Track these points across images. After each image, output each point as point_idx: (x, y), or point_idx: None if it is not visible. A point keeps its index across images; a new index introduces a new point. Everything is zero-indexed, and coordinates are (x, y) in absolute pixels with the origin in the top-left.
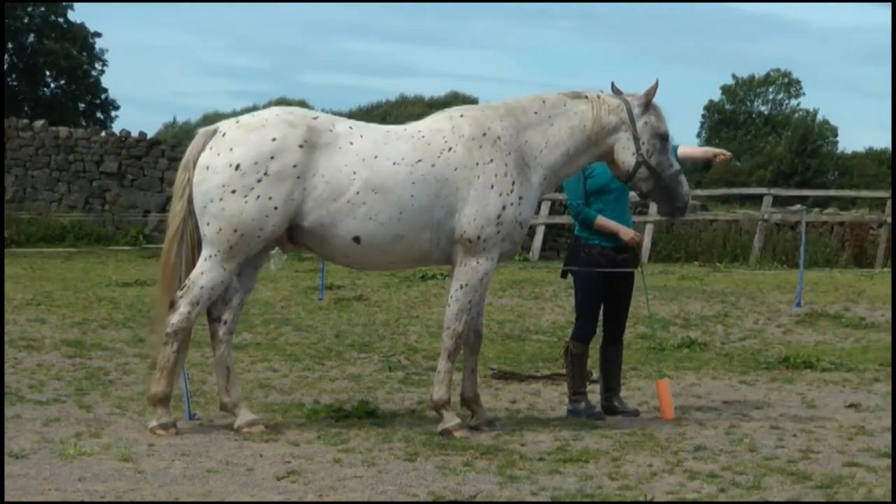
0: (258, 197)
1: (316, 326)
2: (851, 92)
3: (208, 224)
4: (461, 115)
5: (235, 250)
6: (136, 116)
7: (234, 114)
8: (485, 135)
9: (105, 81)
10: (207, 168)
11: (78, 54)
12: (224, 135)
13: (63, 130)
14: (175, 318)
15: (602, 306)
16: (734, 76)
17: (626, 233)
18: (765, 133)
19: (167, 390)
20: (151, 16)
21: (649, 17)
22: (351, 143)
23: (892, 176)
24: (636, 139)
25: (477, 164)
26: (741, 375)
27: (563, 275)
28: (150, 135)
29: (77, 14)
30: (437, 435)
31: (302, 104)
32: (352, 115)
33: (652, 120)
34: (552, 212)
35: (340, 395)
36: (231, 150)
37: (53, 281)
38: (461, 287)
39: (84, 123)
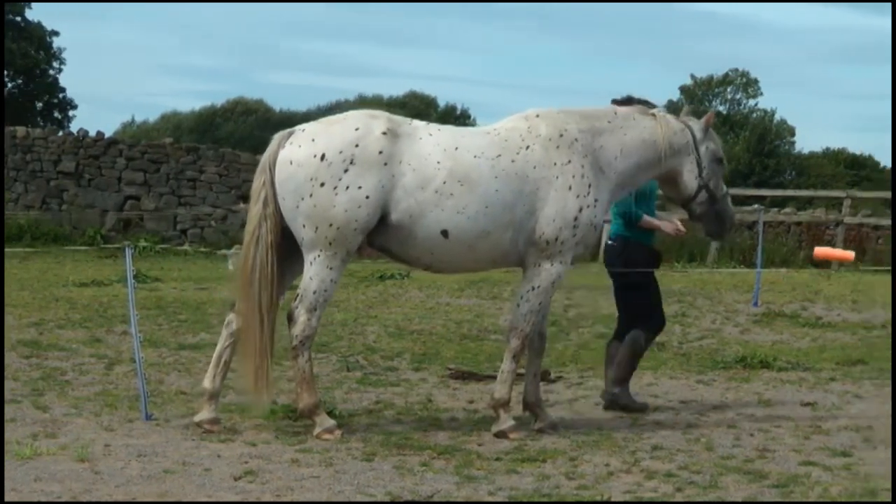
0: (347, 187)
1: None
2: (809, 92)
3: (304, 226)
4: (537, 116)
5: (336, 246)
6: (93, 116)
7: (194, 113)
8: (562, 136)
9: (63, 80)
10: (291, 162)
11: (35, 53)
12: (304, 130)
13: (20, 130)
14: (297, 330)
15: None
16: (692, 76)
17: (668, 226)
18: (723, 133)
19: (315, 399)
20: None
21: (608, 16)
22: (430, 135)
23: (892, 176)
24: (699, 163)
25: (555, 164)
26: (698, 375)
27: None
28: (107, 134)
29: (34, 13)
30: (393, 435)
31: (260, 103)
32: (310, 115)
33: (711, 145)
34: None
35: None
36: (314, 140)
37: (10, 281)
38: (533, 289)
39: (41, 123)
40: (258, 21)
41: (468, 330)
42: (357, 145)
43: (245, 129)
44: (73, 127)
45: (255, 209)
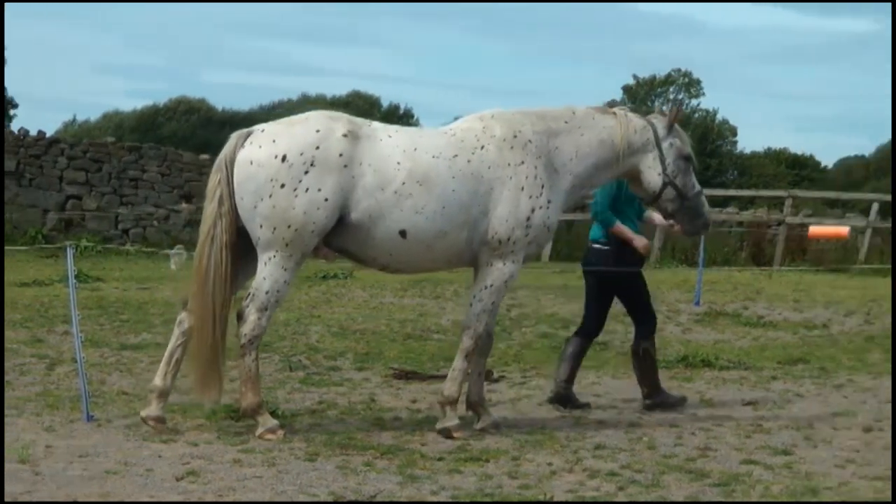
0: (307, 189)
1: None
2: (751, 92)
3: (261, 226)
4: (492, 117)
5: (292, 248)
6: (34, 115)
7: (136, 112)
8: (516, 137)
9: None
10: (252, 163)
11: None
12: (264, 130)
13: None
14: (247, 328)
15: (608, 304)
16: (635, 76)
17: (640, 240)
18: None
19: (259, 399)
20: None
21: (551, 17)
22: (390, 136)
23: (892, 177)
24: (662, 160)
25: (508, 164)
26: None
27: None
28: (49, 133)
29: None
30: (337, 435)
31: (202, 102)
32: (253, 114)
33: (677, 142)
34: None
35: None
36: (274, 141)
37: None
38: (486, 288)
39: None
40: (200, 20)
41: (411, 329)
42: (318, 147)
43: (187, 129)
44: (14, 126)
45: (209, 208)
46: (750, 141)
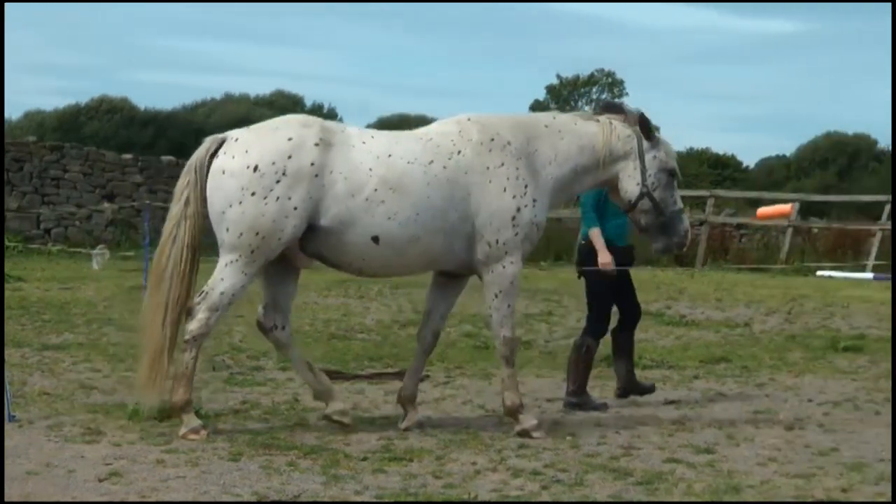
0: (278, 198)
1: (140, 326)
2: (673, 92)
3: (228, 230)
4: (468, 120)
5: (257, 254)
6: None
7: (57, 111)
8: (493, 140)
9: None
10: (224, 172)
11: None
12: (237, 139)
13: None
14: (194, 325)
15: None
16: (559, 76)
17: (604, 256)
18: None
19: (188, 397)
20: None
21: (475, 16)
22: (364, 143)
23: (892, 177)
24: (643, 171)
25: (487, 168)
26: (564, 373)
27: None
28: None
29: None
30: (260, 435)
31: (125, 102)
32: (175, 114)
33: (661, 155)
34: None
35: (163, 396)
36: (247, 152)
37: None
38: (496, 296)
39: None
40: (122, 19)
41: (335, 329)
42: (290, 157)
43: (110, 128)
44: None
45: (175, 208)
46: (672, 140)
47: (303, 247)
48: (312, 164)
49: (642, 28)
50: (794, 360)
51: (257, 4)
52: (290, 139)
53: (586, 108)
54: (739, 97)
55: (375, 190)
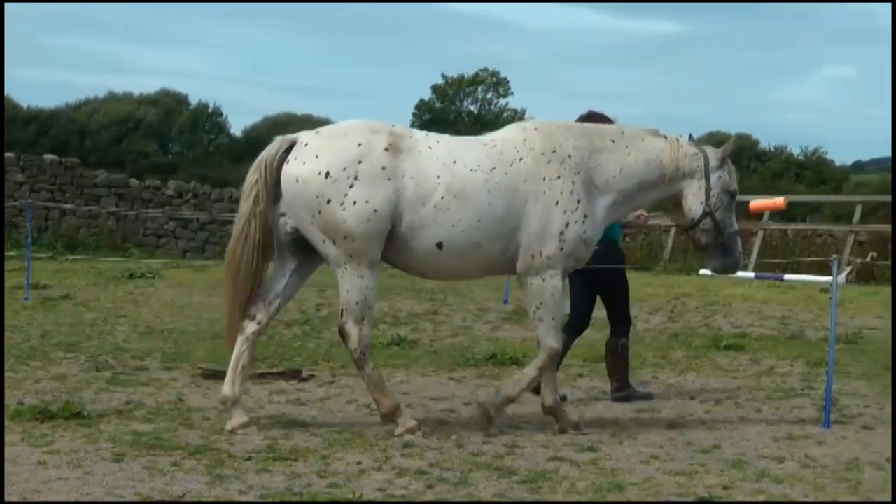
0: (355, 202)
1: (21, 326)
2: (557, 92)
3: (323, 241)
4: (535, 129)
5: (358, 257)
6: None
7: None
8: (554, 151)
9: None
10: (297, 180)
11: None
12: (307, 144)
13: None
14: (353, 343)
15: (594, 300)
16: (444, 75)
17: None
18: (474, 132)
19: (393, 401)
20: None
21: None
22: (430, 148)
23: (892, 177)
24: (707, 190)
25: (544, 178)
26: (449, 372)
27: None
28: None
29: None
30: (144, 435)
31: (7, 100)
32: (59, 112)
33: (725, 176)
34: None
35: (46, 396)
36: (317, 157)
37: None
38: (538, 308)
39: None
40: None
41: (220, 329)
42: (360, 161)
43: None
44: None
45: (244, 206)
46: None
47: None
48: (384, 168)
49: (527, 28)
50: (676, 358)
51: (141, 4)
52: (359, 144)
53: (471, 107)
54: (622, 97)
55: (442, 197)
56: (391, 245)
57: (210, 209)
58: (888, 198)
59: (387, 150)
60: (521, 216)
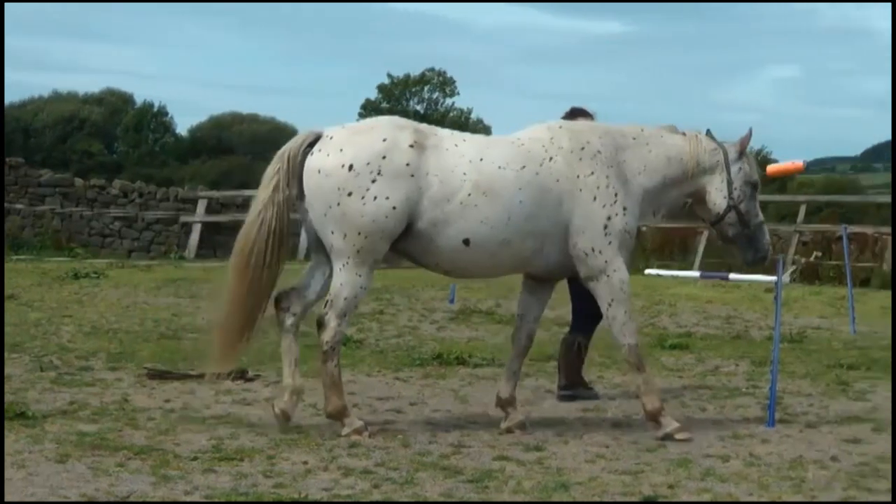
0: (375, 198)
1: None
2: (503, 91)
3: (332, 232)
4: (560, 127)
5: (363, 254)
6: None
7: None
8: (583, 148)
9: None
10: (319, 171)
11: None
12: (332, 138)
13: None
14: (328, 335)
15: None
16: (389, 75)
17: None
18: None
19: (343, 402)
20: None
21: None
22: (456, 146)
23: (892, 177)
24: (730, 183)
25: (577, 176)
26: (395, 372)
27: None
28: None
29: None
30: (89, 436)
31: None
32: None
33: (745, 167)
34: (209, 210)
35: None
36: (341, 150)
37: None
38: (609, 305)
39: None
40: None
41: (165, 329)
42: (384, 157)
43: None
44: None
45: (263, 193)
46: None
47: (393, 244)
48: (408, 164)
49: (474, 28)
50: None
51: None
52: (384, 140)
53: (418, 107)
54: (570, 96)
55: (469, 195)
56: (416, 242)
57: (155, 209)
58: (832, 197)
59: (412, 146)
60: (556, 215)
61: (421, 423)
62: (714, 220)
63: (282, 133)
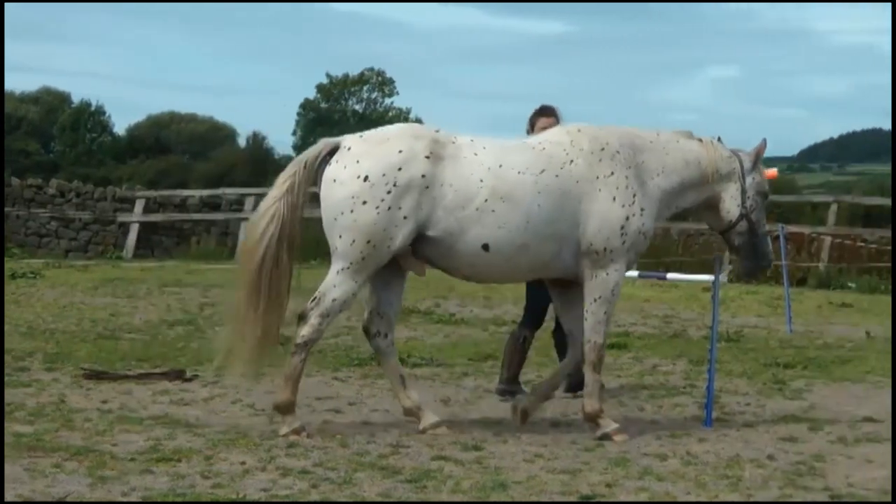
0: (389, 208)
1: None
2: (443, 92)
3: (340, 236)
4: (578, 130)
5: (367, 261)
6: None
7: None
8: (603, 149)
9: None
10: (335, 181)
11: None
12: (349, 148)
13: None
14: (306, 330)
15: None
16: (328, 75)
17: None
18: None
19: (293, 398)
20: None
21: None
22: (475, 154)
23: (892, 177)
24: (743, 192)
25: (598, 177)
26: (334, 372)
27: None
28: None
29: None
30: (24, 437)
31: None
32: None
33: (758, 178)
34: (146, 210)
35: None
36: (358, 162)
37: None
38: (595, 301)
39: None
40: None
41: (103, 329)
42: (400, 169)
43: None
44: None
45: (276, 191)
46: None
47: (413, 251)
48: (423, 176)
49: (413, 28)
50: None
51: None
52: (400, 151)
53: (356, 106)
54: (511, 96)
55: (486, 201)
56: (434, 247)
57: (93, 208)
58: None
59: (428, 157)
60: (575, 218)
61: (359, 423)
62: (724, 227)
63: (219, 132)
